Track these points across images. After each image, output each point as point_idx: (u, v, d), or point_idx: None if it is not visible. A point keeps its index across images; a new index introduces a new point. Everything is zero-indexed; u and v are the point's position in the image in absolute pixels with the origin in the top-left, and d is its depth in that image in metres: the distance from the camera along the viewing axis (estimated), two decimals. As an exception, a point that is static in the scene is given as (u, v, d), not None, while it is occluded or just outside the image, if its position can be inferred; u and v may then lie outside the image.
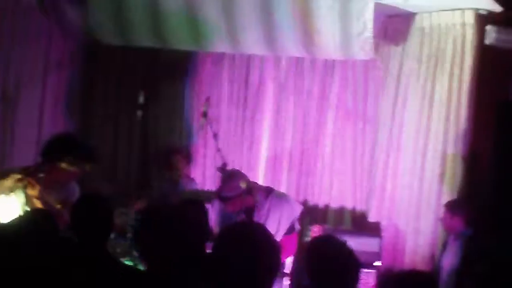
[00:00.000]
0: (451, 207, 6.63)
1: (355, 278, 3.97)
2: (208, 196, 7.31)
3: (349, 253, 3.99)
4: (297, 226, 6.79)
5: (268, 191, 6.78)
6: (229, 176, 6.77)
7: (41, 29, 7.85)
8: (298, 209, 6.82)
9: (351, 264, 3.97)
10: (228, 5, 7.22)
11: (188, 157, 8.09)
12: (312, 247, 4.15)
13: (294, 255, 6.71)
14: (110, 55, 8.50)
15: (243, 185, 6.52)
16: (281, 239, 6.53)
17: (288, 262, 6.69)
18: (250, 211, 6.58)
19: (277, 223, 6.54)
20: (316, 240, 4.56)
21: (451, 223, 6.59)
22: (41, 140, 7.72)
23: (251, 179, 6.84)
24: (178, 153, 8.05)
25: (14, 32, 7.61)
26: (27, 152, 7.69)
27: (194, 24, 7.48)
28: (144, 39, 7.89)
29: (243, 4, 7.19)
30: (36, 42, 7.84)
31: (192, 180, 8.13)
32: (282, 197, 6.85)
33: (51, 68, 8.01)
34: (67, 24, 7.67)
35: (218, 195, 6.65)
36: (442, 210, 6.73)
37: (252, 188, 6.64)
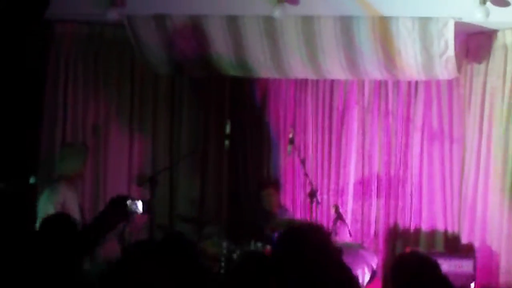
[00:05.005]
0: None
1: None
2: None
3: (435, 270, 3.91)
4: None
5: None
6: None
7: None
8: (374, 257, 7.11)
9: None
10: (308, 31, 7.27)
11: (278, 188, 8.13)
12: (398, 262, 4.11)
13: None
14: (196, 85, 8.56)
15: None
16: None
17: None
18: None
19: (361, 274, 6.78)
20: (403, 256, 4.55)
21: None
22: (131, 168, 8.14)
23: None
24: (269, 186, 8.10)
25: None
26: (119, 180, 8.07)
27: (276, 52, 7.56)
28: (227, 68, 7.96)
29: (323, 29, 7.23)
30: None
31: (285, 209, 8.16)
32: (357, 248, 7.12)
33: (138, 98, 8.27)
34: (151, 58, 7.87)
35: None
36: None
37: None
